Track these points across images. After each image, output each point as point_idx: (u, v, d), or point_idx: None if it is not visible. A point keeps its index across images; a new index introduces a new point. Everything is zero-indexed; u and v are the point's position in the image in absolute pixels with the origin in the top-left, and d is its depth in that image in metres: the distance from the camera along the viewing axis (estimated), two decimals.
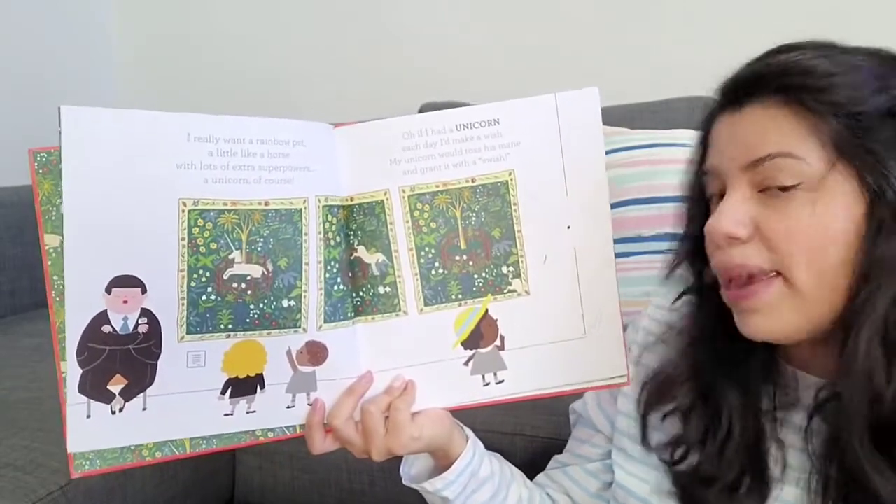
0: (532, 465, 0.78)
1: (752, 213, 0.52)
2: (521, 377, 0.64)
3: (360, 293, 0.62)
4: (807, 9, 1.32)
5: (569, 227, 0.62)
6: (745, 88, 0.53)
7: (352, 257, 0.62)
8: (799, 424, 0.55)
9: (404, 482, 0.68)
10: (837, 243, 0.50)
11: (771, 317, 0.52)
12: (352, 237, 0.62)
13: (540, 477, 0.76)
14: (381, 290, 0.62)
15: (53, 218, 0.54)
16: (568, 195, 0.62)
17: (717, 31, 1.37)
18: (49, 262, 0.54)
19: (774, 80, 0.52)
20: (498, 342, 0.63)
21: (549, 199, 0.62)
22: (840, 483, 0.51)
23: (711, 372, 0.59)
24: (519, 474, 0.72)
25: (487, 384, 0.64)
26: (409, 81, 1.56)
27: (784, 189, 0.51)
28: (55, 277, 0.54)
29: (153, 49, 1.90)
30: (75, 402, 0.54)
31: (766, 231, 0.52)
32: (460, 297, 0.63)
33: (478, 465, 0.66)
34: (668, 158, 1.04)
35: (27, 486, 0.79)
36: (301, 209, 0.59)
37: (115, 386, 0.55)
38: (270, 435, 0.60)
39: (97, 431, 0.55)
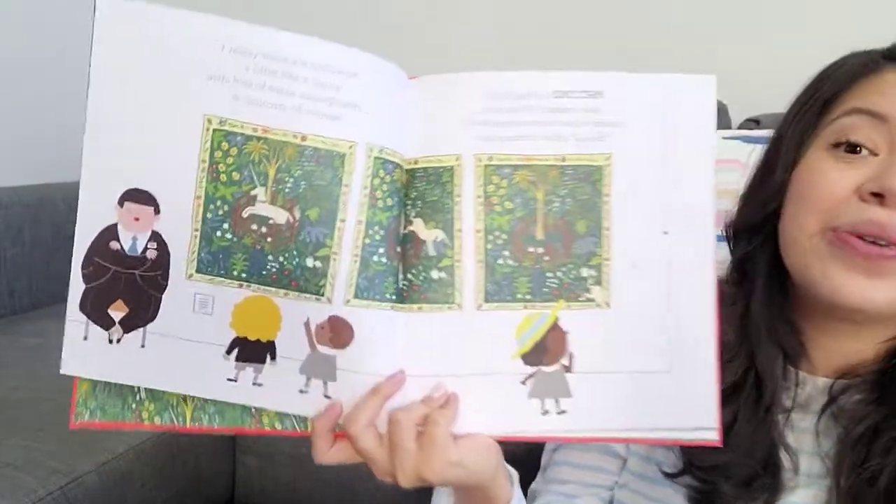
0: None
1: None
2: (587, 411, 0.51)
3: (409, 275, 0.51)
4: (807, 9, 1.31)
5: (665, 233, 0.52)
6: None
7: (406, 230, 0.51)
8: (807, 427, 0.53)
9: None
10: None
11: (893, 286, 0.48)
12: (409, 206, 0.51)
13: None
14: (434, 274, 0.51)
15: None
16: (668, 194, 0.52)
17: (717, 31, 1.36)
18: None
19: None
20: (565, 361, 0.51)
21: (646, 197, 0.52)
22: (856, 484, 0.48)
23: (759, 343, 0.55)
24: None
25: (546, 412, 0.51)
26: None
27: None
28: None
29: None
30: (74, 319, 0.49)
31: None
32: (528, 297, 0.51)
33: None
34: None
35: (27, 486, 0.79)
36: (345, 154, 0.49)
37: (116, 312, 0.49)
38: (278, 426, 0.50)
39: (93, 358, 0.50)
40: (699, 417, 0.52)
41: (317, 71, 0.49)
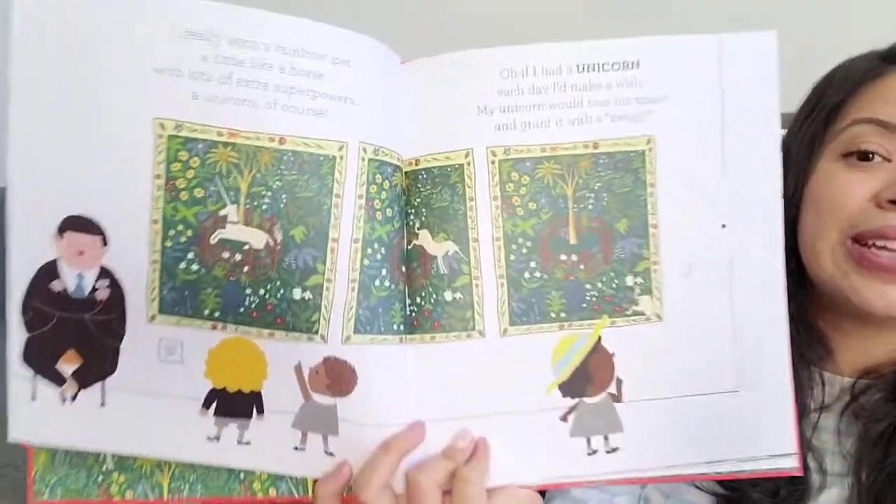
0: None
1: None
2: (644, 446, 0.43)
3: (418, 299, 0.42)
4: (810, 6, 1.27)
5: (724, 227, 0.43)
6: None
7: (410, 246, 0.42)
8: (829, 426, 0.50)
9: None
10: None
11: None
12: (412, 216, 0.43)
13: None
14: (447, 295, 0.42)
15: None
16: (726, 179, 0.43)
17: (718, 29, 1.30)
18: None
19: None
20: (612, 389, 0.43)
21: (699, 184, 0.43)
22: (877, 482, 0.47)
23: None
24: None
25: (594, 452, 0.43)
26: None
27: None
28: None
29: None
30: (18, 374, 0.40)
31: None
32: (563, 315, 0.43)
33: None
34: None
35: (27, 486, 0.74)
36: (335, 157, 0.40)
37: (68, 365, 0.41)
38: (273, 492, 0.43)
39: (45, 421, 0.41)
40: (775, 442, 0.44)
41: (295, 57, 0.40)
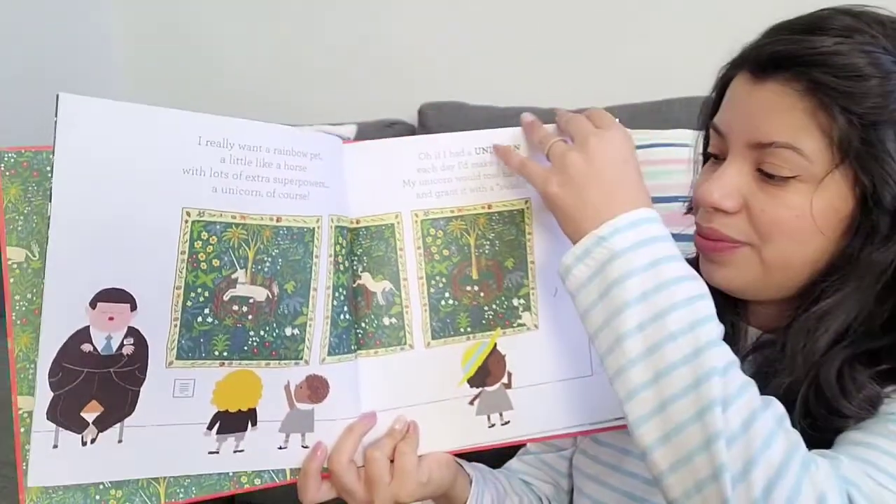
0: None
1: (744, 188, 0.53)
2: (527, 418, 0.60)
3: (363, 324, 0.57)
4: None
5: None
6: (773, 63, 0.51)
7: (355, 284, 0.57)
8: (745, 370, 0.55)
9: None
10: (820, 236, 0.51)
11: (731, 271, 0.55)
12: (356, 263, 0.57)
13: (514, 463, 0.74)
14: (385, 320, 0.57)
15: (19, 228, 0.47)
16: None
17: (718, 30, 1.17)
18: (11, 279, 0.47)
19: (804, 66, 0.49)
20: (505, 380, 0.60)
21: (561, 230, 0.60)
22: None
23: None
24: (506, 484, 0.69)
25: (493, 426, 0.60)
26: (409, 80, 1.44)
27: (782, 179, 0.51)
28: (17, 297, 0.47)
29: (153, 51, 1.70)
30: (41, 430, 0.47)
31: (753, 211, 0.52)
32: (469, 330, 0.59)
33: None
34: (668, 158, 1.03)
35: None
36: (314, 228, 0.54)
37: (90, 413, 0.48)
38: (257, 482, 0.54)
39: (64, 465, 0.48)
40: (618, 410, 0.62)
41: (286, 156, 0.52)
